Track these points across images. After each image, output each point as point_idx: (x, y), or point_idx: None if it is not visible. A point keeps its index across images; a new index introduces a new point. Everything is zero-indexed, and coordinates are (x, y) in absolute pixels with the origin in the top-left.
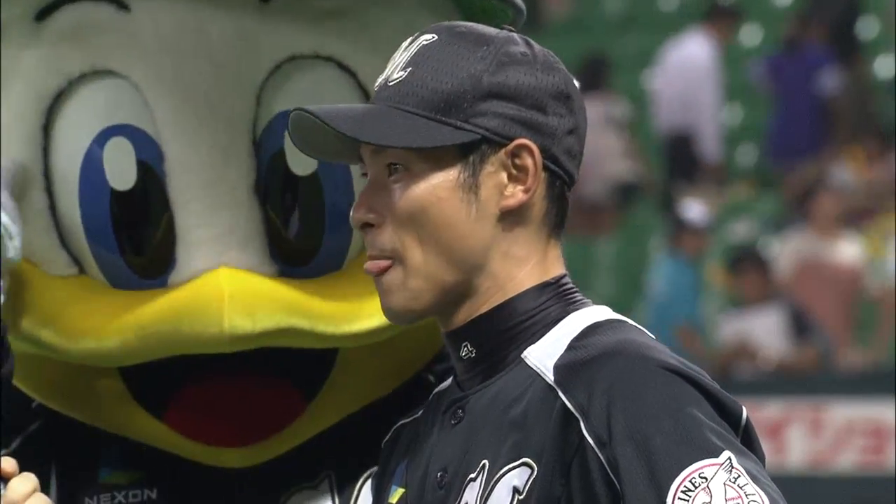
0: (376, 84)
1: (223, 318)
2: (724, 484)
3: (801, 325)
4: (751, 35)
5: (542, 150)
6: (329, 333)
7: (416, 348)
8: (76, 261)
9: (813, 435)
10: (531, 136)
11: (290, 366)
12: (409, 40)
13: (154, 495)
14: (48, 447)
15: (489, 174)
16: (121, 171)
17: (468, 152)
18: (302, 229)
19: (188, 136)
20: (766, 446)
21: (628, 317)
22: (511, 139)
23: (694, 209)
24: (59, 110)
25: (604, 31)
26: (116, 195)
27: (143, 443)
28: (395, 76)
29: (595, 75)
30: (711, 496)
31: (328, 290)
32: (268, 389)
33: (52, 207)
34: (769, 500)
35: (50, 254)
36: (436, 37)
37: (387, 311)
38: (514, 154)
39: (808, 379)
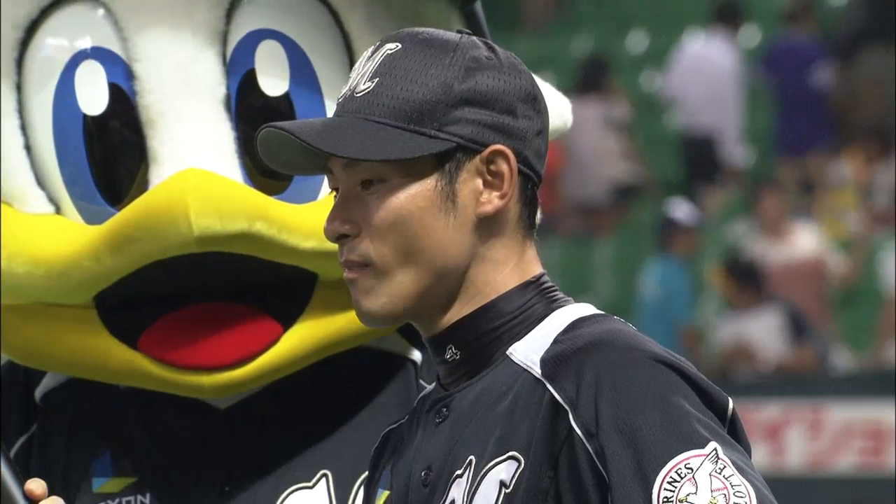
0: (340, 95)
1: (189, 215)
2: (710, 475)
3: (798, 327)
4: (750, 36)
5: (516, 154)
6: (292, 245)
7: None
8: (52, 201)
9: (812, 436)
10: (504, 140)
11: (268, 300)
12: (371, 50)
13: (147, 500)
14: (43, 459)
15: (465, 181)
16: (92, 94)
17: (444, 161)
18: None
19: (157, 52)
20: (765, 448)
21: (626, 318)
22: (485, 145)
23: (682, 209)
24: (33, 41)
25: (604, 32)
26: (89, 121)
27: (124, 384)
28: (362, 87)
29: (595, 76)
30: (697, 487)
31: (298, 209)
32: (243, 318)
33: (28, 147)
34: (754, 491)
35: (25, 193)
36: (399, 45)
37: (361, 313)
38: (489, 160)
39: (806, 380)
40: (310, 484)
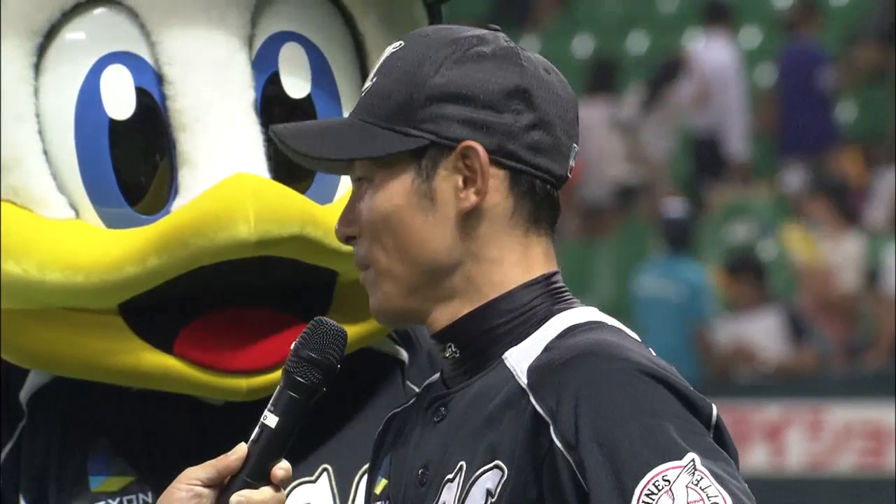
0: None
1: (250, 219)
2: (687, 486)
3: (799, 328)
4: (750, 37)
5: (498, 149)
6: (335, 248)
7: None
8: (72, 206)
9: (812, 437)
10: (481, 136)
11: (292, 300)
12: (389, 48)
13: (150, 499)
14: (33, 459)
15: (444, 178)
16: (119, 99)
17: (419, 158)
18: None
19: (188, 56)
20: (765, 448)
21: (626, 319)
22: (458, 141)
23: (677, 208)
24: (52, 45)
25: (606, 33)
26: (115, 125)
27: (150, 388)
28: (365, 87)
29: (603, 78)
30: (674, 499)
31: (332, 211)
32: (273, 320)
33: (46, 151)
34: (732, 499)
35: (46, 198)
36: (403, 43)
37: (371, 311)
38: (464, 156)
39: (807, 381)
40: (312, 478)
